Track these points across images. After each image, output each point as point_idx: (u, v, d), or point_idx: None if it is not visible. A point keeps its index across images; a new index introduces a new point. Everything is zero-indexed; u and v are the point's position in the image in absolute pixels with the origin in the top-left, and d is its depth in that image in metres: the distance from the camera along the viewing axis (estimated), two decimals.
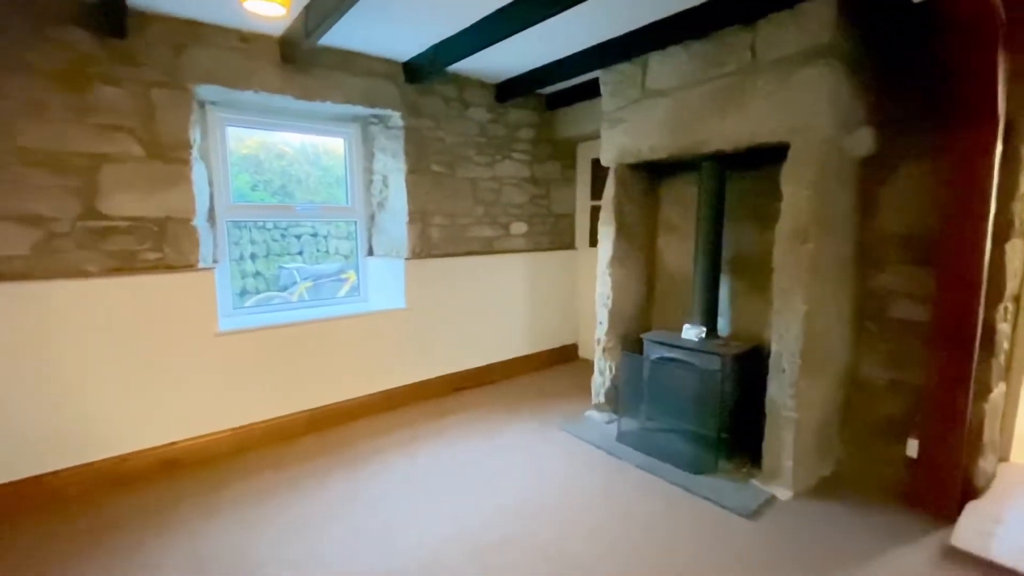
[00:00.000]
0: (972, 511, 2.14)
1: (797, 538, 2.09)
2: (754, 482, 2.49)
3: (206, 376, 2.72)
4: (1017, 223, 2.14)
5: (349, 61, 3.10)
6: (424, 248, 3.56)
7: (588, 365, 4.41)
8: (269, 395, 2.94)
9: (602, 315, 3.26)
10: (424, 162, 3.50)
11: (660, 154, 2.84)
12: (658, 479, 2.56)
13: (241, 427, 2.86)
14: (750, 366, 2.68)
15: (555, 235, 4.43)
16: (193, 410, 2.70)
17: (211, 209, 2.94)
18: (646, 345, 3.00)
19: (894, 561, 1.95)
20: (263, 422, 2.93)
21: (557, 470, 2.66)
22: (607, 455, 2.81)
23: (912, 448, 2.28)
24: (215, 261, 2.94)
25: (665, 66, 2.78)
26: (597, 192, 4.37)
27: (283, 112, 3.17)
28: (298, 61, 2.86)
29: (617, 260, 3.18)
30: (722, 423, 2.60)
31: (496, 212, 3.97)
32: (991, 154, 1.99)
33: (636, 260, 3.30)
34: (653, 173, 3.27)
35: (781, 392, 2.39)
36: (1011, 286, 2.19)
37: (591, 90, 3.76)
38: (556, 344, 4.51)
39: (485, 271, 3.90)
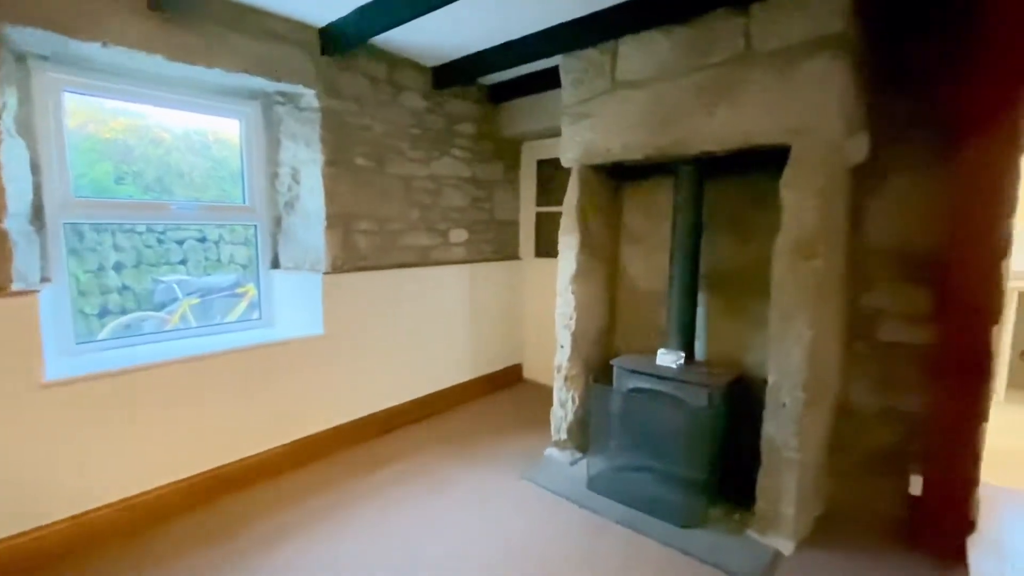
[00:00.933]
0: (976, 549, 1.96)
1: None
2: (750, 533, 2.17)
3: (25, 449, 1.88)
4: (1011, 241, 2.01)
5: (246, 17, 2.38)
6: (348, 259, 2.90)
7: (534, 389, 3.98)
8: (126, 466, 2.13)
9: (564, 338, 2.82)
10: (346, 154, 2.85)
11: (635, 154, 2.46)
12: (645, 538, 2.15)
13: (80, 516, 2.03)
14: (736, 397, 2.37)
15: (498, 244, 3.94)
16: (6, 500, 1.85)
17: (37, 206, 2.09)
18: (617, 373, 2.61)
19: None
20: (113, 506, 2.11)
21: (527, 537, 2.16)
22: (580, 509, 2.36)
23: (916, 485, 2.08)
24: (43, 280, 2.09)
25: (640, 53, 2.41)
26: (544, 197, 3.96)
27: (154, 80, 2.38)
28: (173, 8, 2.12)
29: (581, 275, 2.76)
30: (711, 465, 2.26)
31: (434, 217, 3.40)
32: (1012, 166, 1.82)
33: (600, 275, 2.91)
34: (615, 176, 2.90)
35: (782, 430, 2.09)
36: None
37: (539, 83, 3.35)
38: (500, 366, 4.02)
39: (421, 286, 3.31)
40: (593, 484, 2.52)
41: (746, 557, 2.02)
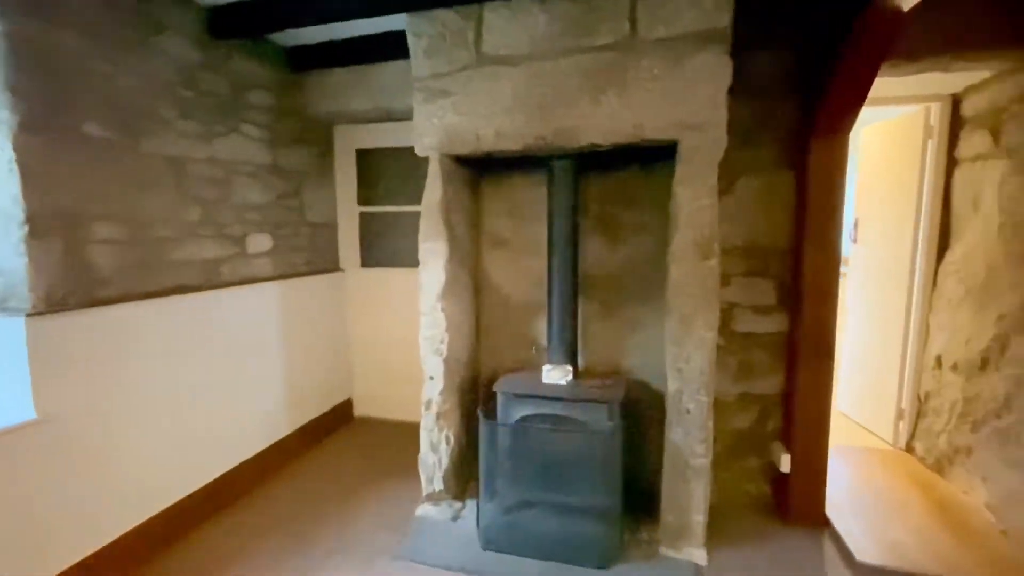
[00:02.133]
0: (838, 517, 2.21)
1: None
2: (665, 551, 2.04)
3: None
4: None
5: None
6: (76, 288, 1.79)
7: (372, 427, 3.30)
8: None
9: (433, 366, 2.29)
10: (66, 115, 1.75)
11: (511, 144, 2.09)
12: None
13: None
14: (629, 407, 2.23)
15: (313, 252, 3.10)
16: None
17: None
18: (503, 401, 2.21)
19: None
20: None
21: None
22: None
23: (785, 463, 2.25)
24: None
25: (511, 25, 2.04)
26: (368, 194, 3.28)
27: None
28: None
29: (450, 289, 2.27)
30: (620, 489, 2.06)
31: (223, 217, 2.43)
32: (844, 168, 2.06)
33: (466, 287, 2.46)
34: (474, 170, 2.49)
35: (688, 437, 2.00)
36: None
37: (363, 51, 2.71)
38: (326, 407, 3.18)
39: (209, 317, 2.32)
40: (489, 541, 2.07)
41: None
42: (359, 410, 3.47)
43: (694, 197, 1.91)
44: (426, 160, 2.24)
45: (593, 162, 2.28)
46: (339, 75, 2.86)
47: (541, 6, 1.99)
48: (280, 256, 2.81)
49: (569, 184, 2.20)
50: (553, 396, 2.15)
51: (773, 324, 2.37)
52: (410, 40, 2.17)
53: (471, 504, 2.31)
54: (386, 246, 3.29)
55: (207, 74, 2.32)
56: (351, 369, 3.42)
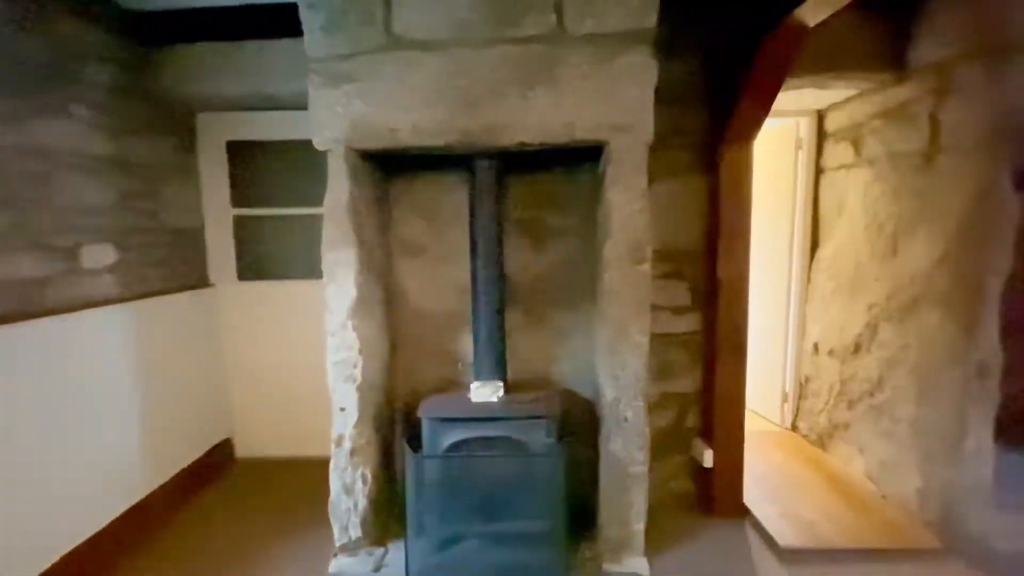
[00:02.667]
0: (753, 504, 2.33)
1: None
2: (608, 568, 1.97)
3: None
4: None
5: None
6: None
7: (259, 469, 2.83)
8: None
9: (346, 396, 1.97)
10: None
11: (433, 140, 1.86)
12: None
13: None
14: (565, 420, 2.14)
15: (175, 265, 2.54)
16: None
17: None
18: (429, 428, 1.97)
19: None
20: None
21: None
22: None
23: (708, 458, 2.32)
24: None
25: (429, 4, 1.82)
26: (244, 194, 2.80)
27: None
28: None
29: (363, 304, 1.97)
30: (564, 509, 1.94)
31: (44, 222, 1.85)
32: (751, 174, 2.18)
33: (379, 302, 2.17)
34: (382, 168, 2.22)
35: (628, 445, 1.96)
36: None
37: (239, 24, 2.29)
38: (199, 451, 2.63)
39: (29, 356, 1.74)
40: None
41: None
42: (243, 450, 2.94)
43: (626, 201, 1.87)
44: (322, 155, 1.92)
45: (515, 163, 2.14)
46: (205, 52, 2.37)
47: None
48: (129, 271, 2.24)
49: (494, 185, 2.04)
50: (485, 416, 1.97)
51: (688, 324, 2.45)
52: (303, 13, 1.84)
53: (396, 548, 2.03)
54: (270, 255, 2.83)
55: (19, 35, 1.74)
56: (229, 403, 2.88)
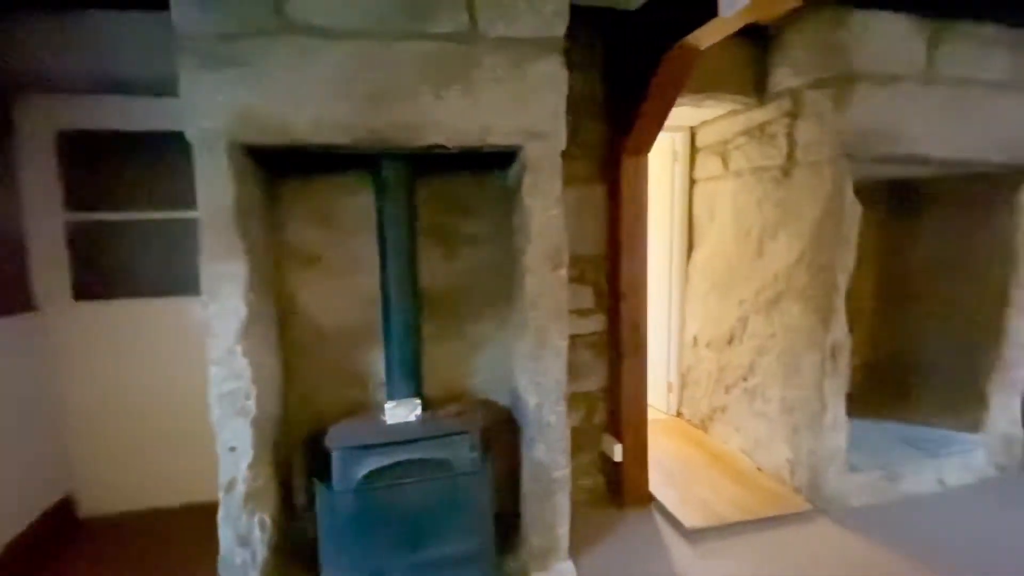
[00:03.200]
0: (656, 490, 2.50)
1: None
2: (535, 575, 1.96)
3: None
4: None
5: None
6: None
7: (113, 530, 2.33)
8: None
9: (237, 434, 1.68)
10: None
11: (337, 137, 1.68)
12: None
13: None
14: (487, 433, 2.08)
15: None
16: None
17: None
18: (340, 459, 1.77)
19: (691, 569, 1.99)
20: None
21: None
22: None
23: (618, 452, 2.43)
24: None
25: None
26: (83, 196, 2.30)
27: None
28: None
29: (254, 325, 1.70)
30: (492, 526, 1.88)
31: None
32: (646, 183, 2.33)
33: (272, 321, 1.90)
34: (267, 167, 1.95)
35: (551, 450, 1.97)
36: None
37: None
38: (28, 517, 2.07)
39: None
40: None
41: None
42: (90, 508, 2.38)
43: (543, 208, 1.87)
44: (186, 149, 1.62)
45: (424, 165, 2.03)
46: (24, 19, 1.88)
47: None
48: None
49: (406, 189, 1.91)
50: (404, 439, 1.83)
51: (593, 325, 2.55)
52: None
53: None
54: (117, 269, 2.35)
55: None
56: (67, 452, 2.32)
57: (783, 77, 2.44)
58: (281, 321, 2.01)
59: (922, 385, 2.98)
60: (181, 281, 2.39)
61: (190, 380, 2.14)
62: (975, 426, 2.69)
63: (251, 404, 1.69)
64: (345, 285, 2.11)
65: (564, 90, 1.85)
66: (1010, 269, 2.55)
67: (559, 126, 1.86)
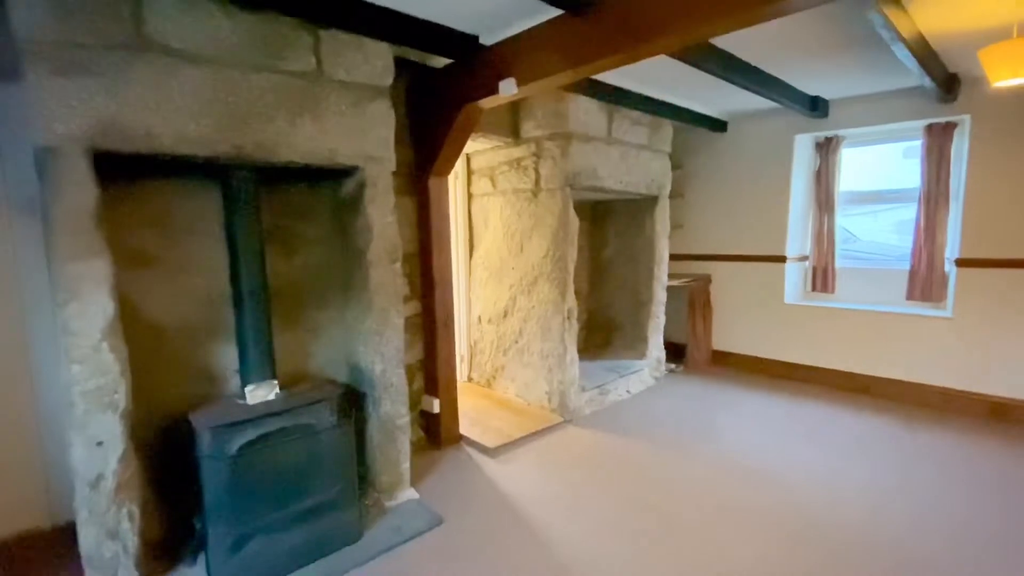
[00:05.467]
0: (466, 432, 3.28)
1: (476, 520, 2.51)
2: (389, 503, 2.50)
3: None
4: None
5: None
6: None
7: None
8: None
9: (106, 427, 1.73)
10: None
11: (200, 150, 1.89)
12: None
13: None
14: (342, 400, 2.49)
15: None
16: None
17: None
18: (211, 438, 1.97)
19: (509, 477, 2.82)
20: None
21: None
22: None
23: (436, 406, 3.11)
24: None
25: (187, 18, 1.84)
26: None
27: None
28: None
29: (117, 322, 1.78)
30: (355, 472, 2.33)
31: None
32: (447, 197, 3.06)
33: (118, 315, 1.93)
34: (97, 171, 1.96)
35: (395, 403, 2.53)
36: None
37: None
38: None
39: None
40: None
41: (409, 519, 2.38)
42: None
43: (381, 215, 2.42)
44: None
45: (265, 176, 2.32)
46: None
47: (225, 13, 1.92)
48: None
49: (254, 196, 2.18)
50: (271, 412, 2.13)
51: (411, 309, 3.16)
52: None
53: (182, 571, 1.93)
54: None
55: None
56: None
57: (530, 129, 3.52)
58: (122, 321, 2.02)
59: (616, 334, 4.57)
60: None
61: None
62: (642, 355, 4.33)
63: (119, 398, 1.77)
64: (182, 285, 2.22)
65: (392, 125, 2.44)
66: (653, 257, 4.23)
67: (390, 152, 2.43)
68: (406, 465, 2.59)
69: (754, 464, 2.86)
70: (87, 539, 1.75)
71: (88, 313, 1.70)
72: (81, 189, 1.68)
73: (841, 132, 4.10)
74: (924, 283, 3.81)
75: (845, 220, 4.53)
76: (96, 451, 1.73)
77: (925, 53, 2.69)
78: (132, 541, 1.82)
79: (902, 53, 2.50)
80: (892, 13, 2.16)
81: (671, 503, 2.49)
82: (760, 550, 2.13)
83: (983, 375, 3.51)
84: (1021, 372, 3.38)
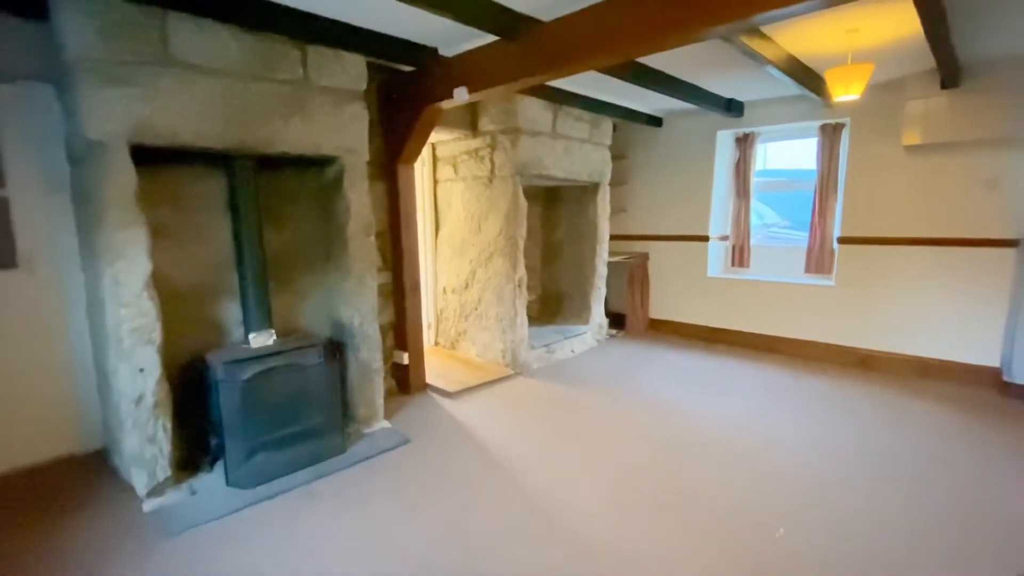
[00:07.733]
0: (432, 382, 3.88)
1: (444, 446, 3.12)
2: (366, 430, 3.08)
3: None
4: None
5: None
6: None
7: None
8: None
9: (145, 358, 2.26)
10: None
11: (213, 144, 2.40)
12: (323, 480, 2.61)
13: None
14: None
15: None
16: None
17: None
18: (225, 371, 2.51)
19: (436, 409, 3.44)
20: None
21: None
22: (242, 512, 2.34)
23: (405, 359, 3.70)
24: None
25: (202, 39, 2.34)
26: None
27: None
28: None
29: (151, 276, 2.29)
30: (340, 402, 2.90)
31: None
32: (413, 185, 3.62)
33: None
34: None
35: (370, 351, 3.11)
36: None
37: None
38: None
39: None
40: (244, 480, 2.46)
41: (382, 440, 2.98)
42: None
43: (358, 197, 2.97)
44: None
45: (261, 164, 2.83)
46: None
47: (233, 36, 2.42)
48: None
49: (253, 180, 2.70)
50: (270, 352, 2.68)
51: (383, 278, 3.71)
52: (74, 16, 2.01)
53: (197, 480, 2.49)
54: None
55: None
56: None
57: (486, 123, 4.08)
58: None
59: (565, 304, 5.22)
60: None
61: None
62: (586, 322, 5.00)
63: (156, 335, 2.30)
64: (193, 253, 2.74)
65: (367, 122, 2.97)
66: (595, 237, 4.87)
67: (364, 145, 2.97)
68: (380, 401, 3.18)
69: (662, 402, 3.56)
70: (132, 444, 2.28)
71: (133, 268, 2.22)
72: (125, 173, 2.18)
73: (755, 129, 4.79)
74: (818, 258, 4.57)
75: (773, 203, 5.28)
76: (139, 376, 2.26)
77: (798, 70, 3.36)
78: (166, 446, 2.36)
79: (774, 71, 3.16)
80: (756, 42, 2.80)
81: (592, 429, 3.16)
82: (640, 454, 2.82)
83: (855, 332, 4.30)
84: (883, 329, 4.17)
